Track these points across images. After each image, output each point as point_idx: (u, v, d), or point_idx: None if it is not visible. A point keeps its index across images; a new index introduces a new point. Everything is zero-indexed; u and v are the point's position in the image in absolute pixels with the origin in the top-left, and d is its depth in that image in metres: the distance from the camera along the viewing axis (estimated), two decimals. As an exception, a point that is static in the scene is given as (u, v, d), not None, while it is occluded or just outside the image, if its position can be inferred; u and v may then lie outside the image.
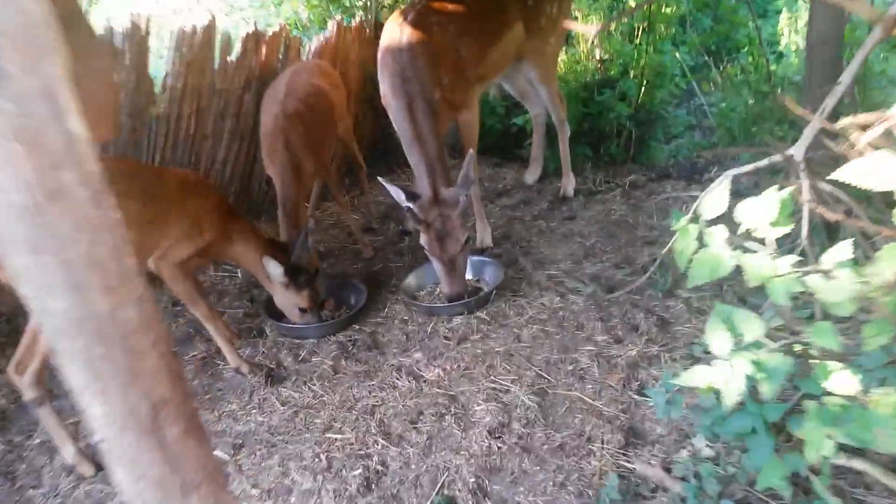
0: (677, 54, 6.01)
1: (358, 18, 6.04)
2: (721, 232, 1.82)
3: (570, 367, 3.29)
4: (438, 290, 4.30)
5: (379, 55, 4.34)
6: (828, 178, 1.67)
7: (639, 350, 3.31)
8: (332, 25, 5.63)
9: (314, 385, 3.55)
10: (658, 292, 3.77)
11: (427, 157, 3.99)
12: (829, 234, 3.05)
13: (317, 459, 2.97)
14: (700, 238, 1.86)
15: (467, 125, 4.52)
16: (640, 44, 5.74)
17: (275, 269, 3.71)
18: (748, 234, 1.81)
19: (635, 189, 5.32)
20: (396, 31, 4.22)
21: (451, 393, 3.27)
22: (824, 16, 3.93)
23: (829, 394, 1.74)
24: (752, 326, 1.81)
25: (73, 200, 1.02)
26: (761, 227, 1.77)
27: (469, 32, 4.34)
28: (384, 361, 3.67)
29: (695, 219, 1.89)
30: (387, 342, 3.88)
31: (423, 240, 3.89)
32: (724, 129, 5.84)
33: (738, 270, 1.79)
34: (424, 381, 3.42)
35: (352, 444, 3.04)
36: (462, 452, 2.86)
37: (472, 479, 2.69)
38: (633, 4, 5.81)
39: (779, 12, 7.25)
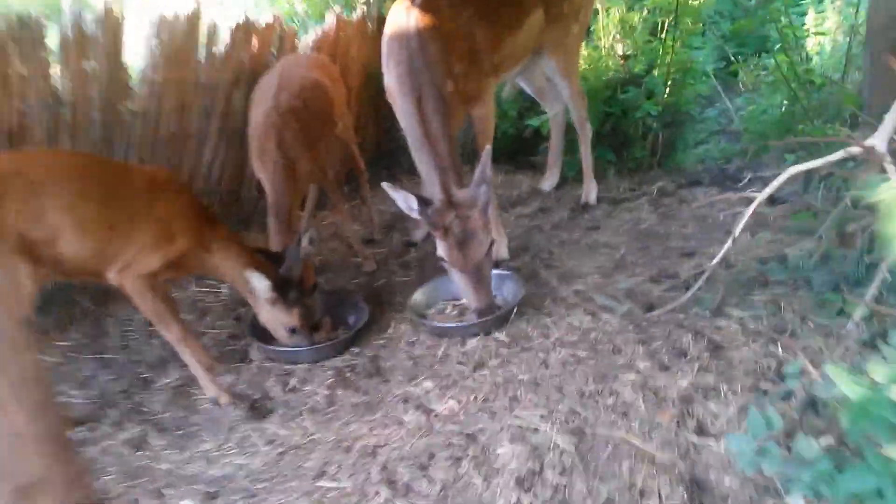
0: (704, 51, 5.51)
1: (360, 12, 5.56)
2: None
3: (610, 401, 2.74)
4: (449, 308, 3.77)
5: (384, 44, 3.85)
6: None
7: (691, 380, 2.76)
8: (331, 18, 5.15)
9: (305, 420, 3.01)
10: (705, 311, 3.24)
11: (438, 157, 3.48)
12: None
13: (305, 515, 2.43)
14: None
15: (482, 120, 4.02)
16: (665, 39, 5.25)
17: (259, 282, 3.19)
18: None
19: (664, 196, 4.80)
20: (403, 16, 3.73)
21: (469, 431, 2.73)
22: (885, 4, 3.49)
23: None
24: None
25: None
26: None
27: (485, 17, 3.85)
28: (388, 391, 3.13)
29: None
30: (391, 368, 3.34)
31: (440, 249, 3.36)
32: (753, 133, 5.36)
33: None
34: (436, 416, 2.88)
35: (349, 494, 2.50)
36: (484, 509, 2.32)
37: (499, 546, 2.15)
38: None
39: (804, 14, 6.78)
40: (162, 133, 4.18)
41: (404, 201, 3.40)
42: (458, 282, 3.40)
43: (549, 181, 5.26)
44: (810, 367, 2.33)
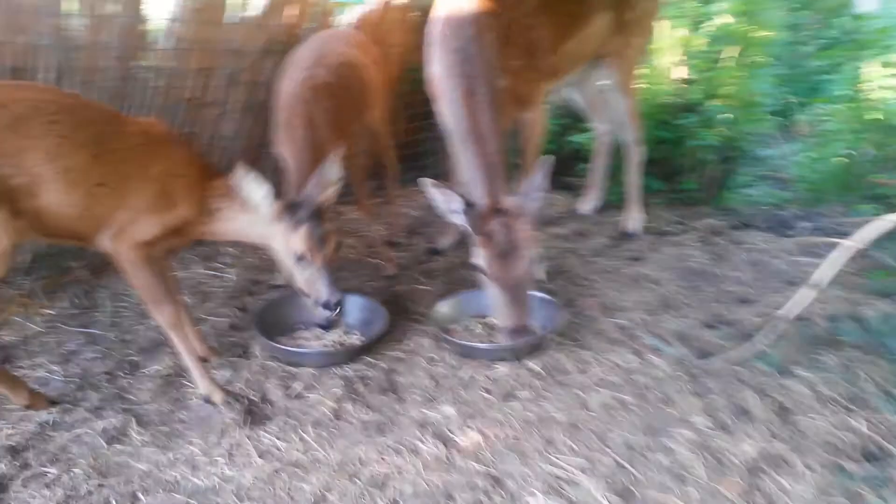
0: (765, 88, 5.17)
1: (405, -3, 5.23)
2: None
3: (664, 460, 2.38)
4: (476, 326, 3.41)
5: (432, 29, 3.51)
6: None
7: (758, 447, 2.40)
8: (377, -1, 4.83)
9: (307, 433, 2.65)
10: (769, 367, 2.87)
11: (484, 156, 3.14)
12: None
13: (299, 551, 2.07)
14: None
15: (531, 125, 3.69)
16: (729, 67, 4.91)
17: (256, 189, 2.72)
18: None
19: (715, 235, 4.44)
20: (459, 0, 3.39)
21: (494, 473, 2.36)
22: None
23: None
24: None
25: None
26: None
27: (548, 12, 3.52)
28: (403, 412, 2.77)
29: None
30: (408, 386, 2.98)
31: (479, 258, 3.01)
32: (809, 181, 5.01)
33: None
34: (457, 450, 2.51)
35: (351, 531, 2.13)
36: (512, 572, 1.95)
37: None
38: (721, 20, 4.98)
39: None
40: (180, 95, 3.84)
41: (445, 202, 3.05)
42: (494, 297, 3.03)
43: (589, 203, 4.91)
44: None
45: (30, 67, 3.38)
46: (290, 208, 2.83)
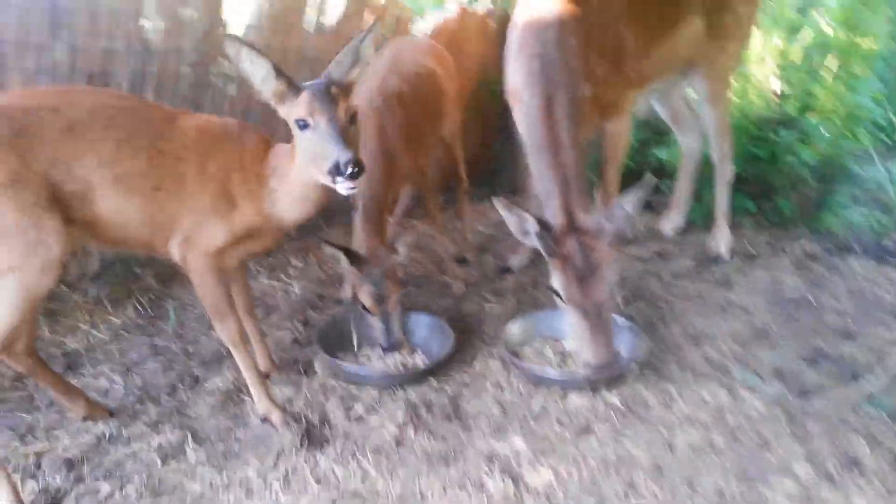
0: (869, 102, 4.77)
1: (484, 6, 5.09)
2: None
3: (762, 513, 2.10)
4: (548, 349, 3.19)
5: (512, 33, 3.33)
6: None
7: (872, 504, 2.09)
8: (453, 6, 4.70)
9: (366, 461, 2.49)
10: (880, 412, 2.55)
11: (562, 169, 2.92)
12: None
13: None
14: None
15: (615, 137, 3.46)
16: (829, 79, 4.55)
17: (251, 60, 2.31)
18: None
19: (811, 261, 4.08)
20: (542, 4, 3.21)
21: (569, 517, 2.14)
22: None
23: None
24: None
25: None
26: None
27: (637, 15, 3.29)
28: (469, 443, 2.58)
29: None
30: (474, 414, 2.78)
31: (555, 281, 2.79)
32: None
33: None
34: (526, 488, 2.30)
35: (410, 574, 1.95)
36: None
37: None
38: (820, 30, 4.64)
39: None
40: (255, 103, 3.78)
41: (519, 223, 2.84)
42: (574, 325, 2.79)
43: (671, 223, 4.61)
44: None
45: (106, 73, 3.38)
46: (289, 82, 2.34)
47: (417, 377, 3.01)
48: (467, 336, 3.39)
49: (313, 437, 2.64)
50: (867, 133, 4.58)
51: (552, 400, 2.80)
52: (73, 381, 2.92)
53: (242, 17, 3.70)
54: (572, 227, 2.80)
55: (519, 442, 2.54)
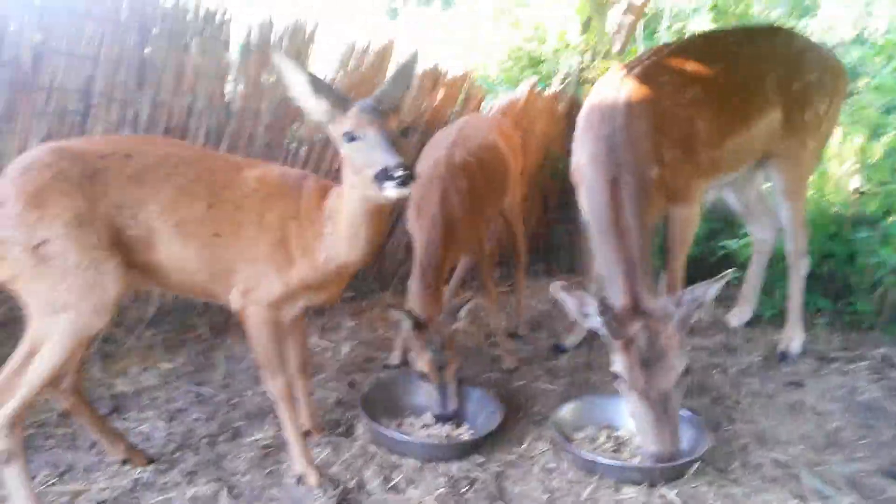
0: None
1: (554, 89, 5.16)
2: None
3: None
4: (602, 437, 3.01)
5: (582, 115, 3.35)
6: None
7: None
8: (523, 86, 4.77)
9: (401, 534, 2.35)
10: (974, 538, 2.28)
11: (627, 251, 2.85)
12: None
13: None
14: None
15: (683, 223, 3.35)
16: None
17: (291, 69, 2.29)
18: None
19: (890, 367, 3.81)
20: (614, 85, 3.22)
21: None
22: None
23: None
24: None
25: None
26: None
27: (711, 105, 3.26)
28: (512, 527, 2.41)
29: None
30: (518, 496, 2.62)
31: (618, 365, 2.66)
32: None
33: None
34: (572, 584, 2.12)
35: None
36: None
37: None
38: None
39: None
40: (323, 168, 3.87)
41: (577, 305, 2.76)
42: (636, 412, 2.65)
43: (739, 316, 4.42)
44: None
45: (185, 129, 3.51)
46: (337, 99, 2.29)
47: (461, 450, 2.88)
48: (516, 413, 3.26)
49: (349, 503, 2.52)
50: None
51: (604, 490, 2.62)
52: (118, 424, 2.91)
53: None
54: (637, 309, 2.69)
55: (566, 531, 2.37)
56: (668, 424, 2.57)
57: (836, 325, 4.35)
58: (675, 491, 2.58)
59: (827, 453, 2.91)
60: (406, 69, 2.37)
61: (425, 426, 3.11)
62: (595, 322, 2.71)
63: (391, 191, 2.14)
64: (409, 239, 3.80)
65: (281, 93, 3.64)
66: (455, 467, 2.79)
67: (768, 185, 4.06)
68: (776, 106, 3.49)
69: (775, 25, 4.59)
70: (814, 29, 6.99)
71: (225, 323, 4.08)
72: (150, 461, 2.77)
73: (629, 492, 2.59)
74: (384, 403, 3.19)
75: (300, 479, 2.63)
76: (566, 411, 3.10)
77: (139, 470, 2.70)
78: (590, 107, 3.31)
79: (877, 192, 4.44)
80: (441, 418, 3.05)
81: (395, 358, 3.86)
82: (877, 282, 4.19)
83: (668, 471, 2.65)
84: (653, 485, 2.61)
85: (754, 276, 4.34)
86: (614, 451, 2.91)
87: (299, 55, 3.57)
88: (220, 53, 3.44)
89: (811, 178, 4.27)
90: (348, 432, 3.07)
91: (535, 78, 5.09)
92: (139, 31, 3.31)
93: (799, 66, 3.57)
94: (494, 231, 5.07)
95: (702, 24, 6.07)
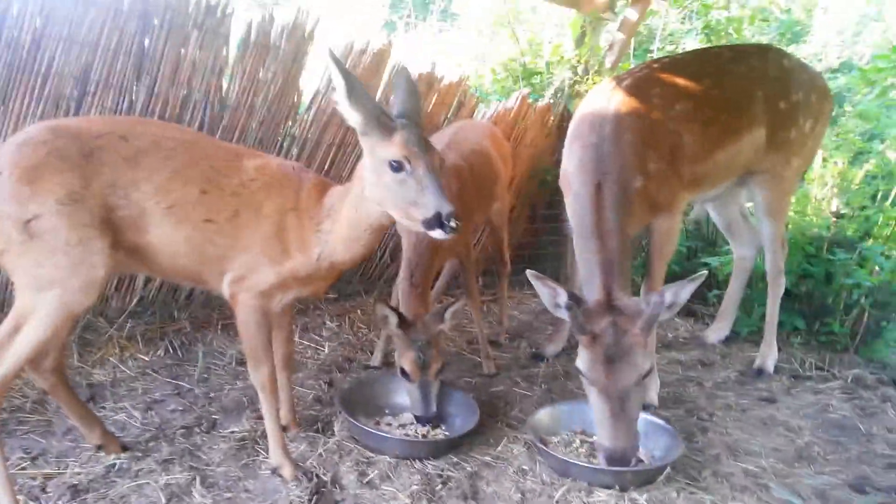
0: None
1: (546, 101, 5.23)
2: None
3: None
4: (577, 442, 3.04)
5: (572, 123, 3.40)
6: None
7: None
8: (516, 97, 4.83)
9: (374, 528, 2.36)
10: (935, 552, 2.33)
11: (605, 252, 2.90)
12: None
13: None
14: None
15: (663, 234, 3.40)
16: (887, 209, 4.48)
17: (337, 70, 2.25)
18: None
19: (862, 388, 3.88)
20: (604, 97, 3.28)
21: None
22: None
23: None
24: None
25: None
26: None
27: (699, 119, 3.32)
28: (483, 525, 2.43)
29: None
30: (492, 496, 2.64)
31: (581, 361, 2.71)
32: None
33: None
34: (541, 581, 2.14)
35: None
36: None
37: None
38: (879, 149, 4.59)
39: None
40: (315, 166, 3.89)
41: (551, 296, 2.81)
42: (595, 407, 2.70)
43: (716, 333, 4.47)
44: None
45: (179, 119, 3.53)
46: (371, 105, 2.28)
47: (438, 449, 2.90)
48: (493, 417, 3.28)
49: (323, 496, 2.52)
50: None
51: (576, 493, 2.64)
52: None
53: (315, 82, 3.85)
54: (609, 305, 2.74)
55: (537, 531, 2.39)
56: (625, 422, 2.62)
57: (812, 345, 4.42)
58: (646, 496, 2.61)
59: (797, 466, 2.97)
60: (412, 82, 2.42)
61: (402, 426, 3.13)
62: (564, 313, 2.75)
63: (438, 234, 2.22)
64: (394, 242, 3.83)
65: (276, 89, 3.66)
66: (430, 466, 2.80)
67: (751, 204, 4.13)
68: (762, 123, 3.56)
69: (766, 44, 4.69)
70: (803, 54, 7.12)
71: (206, 317, 4.08)
72: (125, 449, 2.76)
73: (601, 495, 2.62)
74: (363, 402, 3.20)
75: (275, 471, 2.64)
76: (542, 415, 3.13)
77: (113, 457, 2.68)
78: (580, 116, 3.37)
79: (854, 216, 4.53)
80: (421, 420, 3.06)
81: (375, 359, 3.87)
82: (852, 303, 4.27)
83: (640, 476, 2.68)
84: (623, 489, 2.64)
85: (734, 292, 4.41)
86: (588, 455, 2.94)
87: (297, 53, 3.60)
88: (218, 47, 3.46)
89: (793, 198, 4.35)
90: (325, 429, 3.07)
91: (527, 90, 5.15)
92: (140, 21, 3.34)
93: (787, 85, 3.65)
94: (480, 240, 5.11)
95: (693, 45, 6.19)
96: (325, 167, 4.02)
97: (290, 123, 3.89)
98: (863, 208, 4.60)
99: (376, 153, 2.26)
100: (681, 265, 5.15)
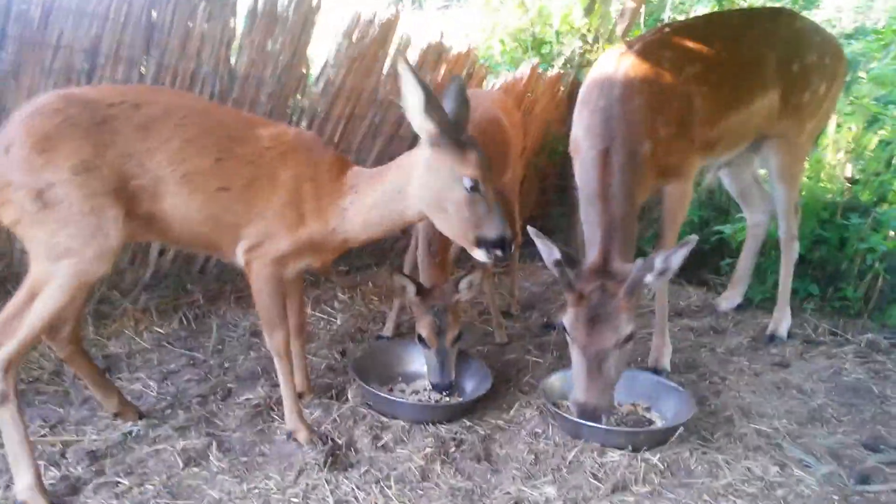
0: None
1: (556, 71, 5.18)
2: None
3: (812, 593, 1.91)
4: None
5: (582, 89, 3.37)
6: None
7: None
8: (525, 67, 4.79)
9: (389, 488, 2.39)
10: (949, 506, 2.33)
11: (608, 217, 2.88)
12: None
13: None
14: None
15: (675, 200, 3.36)
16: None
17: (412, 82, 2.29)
18: None
19: (875, 352, 3.86)
20: (613, 61, 3.24)
21: (597, 570, 1.99)
22: None
23: None
24: None
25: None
26: None
27: (710, 82, 3.27)
28: (497, 484, 2.46)
29: None
30: (505, 457, 2.66)
31: (566, 318, 2.74)
32: None
33: None
34: (554, 535, 2.16)
35: None
36: None
37: None
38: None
39: None
40: (324, 139, 3.88)
41: (548, 252, 2.82)
42: (573, 363, 2.75)
43: (728, 300, 4.45)
44: None
45: (189, 91, 3.52)
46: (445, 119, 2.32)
47: (451, 413, 2.92)
48: (506, 384, 3.30)
49: (338, 459, 2.55)
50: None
51: (589, 453, 2.66)
52: (110, 383, 2.94)
53: (324, 54, 3.83)
54: (603, 269, 2.73)
55: (549, 489, 2.41)
56: (596, 382, 2.65)
57: (825, 311, 4.39)
58: (658, 456, 2.62)
59: (810, 427, 2.97)
60: (463, 91, 2.45)
61: (415, 392, 3.15)
62: (557, 271, 2.77)
63: (483, 256, 2.38)
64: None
65: (285, 61, 3.65)
66: (443, 429, 2.83)
67: (765, 171, 4.09)
68: (775, 86, 3.51)
69: (778, 7, 4.61)
70: (817, 20, 7.02)
71: (219, 290, 4.11)
72: (142, 417, 2.80)
73: (613, 455, 2.63)
74: (376, 369, 3.23)
75: (290, 436, 2.67)
76: (556, 379, 3.14)
77: (130, 424, 2.73)
78: (590, 80, 3.33)
79: (869, 182, 4.47)
80: (438, 388, 3.07)
81: (388, 330, 3.89)
82: (866, 269, 4.23)
83: (652, 436, 2.70)
84: (636, 449, 2.65)
85: (746, 259, 4.37)
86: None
87: (305, 23, 3.58)
88: (226, 19, 3.45)
89: (806, 163, 4.30)
90: (339, 395, 3.10)
91: (537, 59, 5.10)
92: (148, -8, 3.34)
93: (799, 47, 3.59)
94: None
95: (705, 12, 6.11)
96: (336, 139, 4.01)
97: (299, 96, 3.88)
98: (877, 174, 4.55)
99: (450, 167, 2.32)
100: (695, 234, 5.11)
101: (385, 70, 4.01)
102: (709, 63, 3.31)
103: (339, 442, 2.67)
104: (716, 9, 5.99)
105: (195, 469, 2.48)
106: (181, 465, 2.48)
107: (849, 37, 6.12)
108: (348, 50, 3.76)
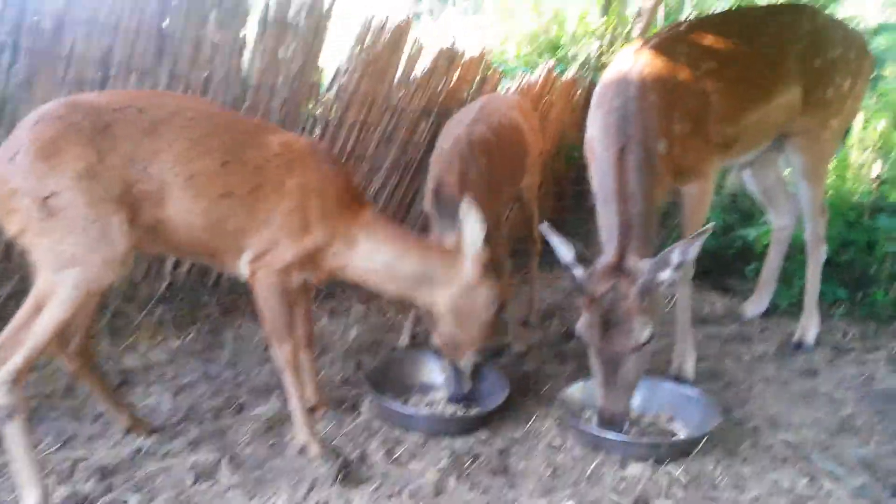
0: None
1: (571, 74, 5.11)
2: None
3: None
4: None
5: (596, 91, 3.29)
6: None
7: None
8: (541, 69, 4.73)
9: (402, 503, 2.32)
10: None
11: (625, 216, 2.77)
12: None
13: None
14: None
15: (694, 200, 3.26)
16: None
17: (475, 223, 2.67)
18: None
19: (908, 358, 3.73)
20: (629, 59, 3.17)
21: (618, 591, 1.90)
22: None
23: None
24: None
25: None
26: None
27: (728, 78, 3.18)
28: (514, 499, 2.39)
29: None
30: (522, 472, 2.58)
31: (580, 322, 2.66)
32: None
33: None
34: (573, 553, 2.07)
35: None
36: None
37: None
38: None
39: None
40: (337, 146, 3.85)
41: (564, 252, 2.74)
42: (592, 368, 2.69)
43: (754, 306, 4.33)
44: None
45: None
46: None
47: (467, 425, 2.85)
48: (523, 394, 3.22)
49: (350, 474, 2.49)
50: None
51: (610, 466, 2.58)
52: (124, 398, 2.91)
53: (336, 60, 3.81)
54: (618, 267, 2.64)
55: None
56: (619, 387, 2.59)
57: (854, 316, 4.25)
58: (682, 468, 2.53)
59: (840, 437, 2.86)
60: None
61: (430, 404, 3.09)
62: (569, 266, 2.72)
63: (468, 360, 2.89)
64: (420, 225, 3.76)
65: (296, 68, 3.62)
66: (459, 443, 2.76)
67: (788, 171, 3.98)
68: (797, 82, 3.40)
69: (799, 3, 4.48)
70: (840, 17, 6.90)
71: (234, 303, 4.08)
72: (153, 431, 2.77)
73: (634, 468, 2.54)
74: (391, 381, 3.17)
75: (302, 450, 2.61)
76: (575, 390, 3.06)
77: (142, 439, 2.69)
78: (605, 81, 3.26)
79: (896, 182, 4.34)
80: (454, 399, 3.00)
81: (403, 341, 3.83)
82: (894, 272, 4.09)
83: (675, 448, 2.60)
84: (659, 462, 2.56)
85: (772, 264, 4.25)
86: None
87: (317, 30, 3.55)
88: (237, 27, 3.44)
89: (831, 163, 4.17)
90: (353, 409, 3.05)
91: (552, 61, 5.03)
92: (159, 2, 3.33)
93: (822, 43, 3.49)
94: (508, 221, 5.03)
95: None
96: (350, 146, 3.98)
97: (312, 104, 3.85)
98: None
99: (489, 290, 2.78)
100: (717, 239, 5.01)
101: (398, 74, 3.97)
102: (726, 59, 3.22)
103: (352, 456, 2.61)
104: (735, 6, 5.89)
105: (205, 485, 2.43)
106: (191, 480, 2.44)
107: (874, 33, 5.98)
108: (360, 56, 3.73)
